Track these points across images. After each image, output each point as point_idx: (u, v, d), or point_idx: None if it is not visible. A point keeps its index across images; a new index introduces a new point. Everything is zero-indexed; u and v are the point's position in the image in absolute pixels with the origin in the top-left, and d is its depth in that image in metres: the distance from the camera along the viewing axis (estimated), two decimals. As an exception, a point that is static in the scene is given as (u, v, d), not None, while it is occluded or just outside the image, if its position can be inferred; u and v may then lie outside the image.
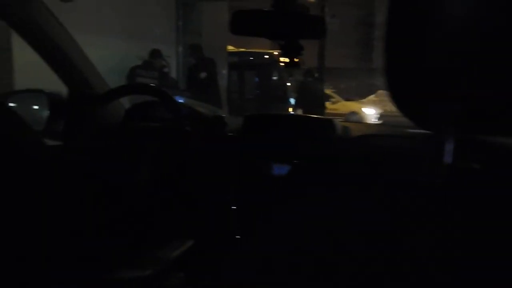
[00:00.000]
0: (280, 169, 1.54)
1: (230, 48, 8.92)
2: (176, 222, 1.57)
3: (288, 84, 9.79)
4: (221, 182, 1.59)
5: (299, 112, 9.11)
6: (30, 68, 2.64)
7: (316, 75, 9.38)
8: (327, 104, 10.64)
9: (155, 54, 6.45)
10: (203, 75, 6.73)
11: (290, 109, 9.77)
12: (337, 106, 13.52)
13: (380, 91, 13.94)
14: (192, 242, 1.52)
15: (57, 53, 1.59)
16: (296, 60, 1.40)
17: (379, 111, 12.91)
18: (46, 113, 1.73)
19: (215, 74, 6.96)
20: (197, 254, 1.50)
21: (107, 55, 6.38)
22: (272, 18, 1.29)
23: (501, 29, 0.38)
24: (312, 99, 8.54)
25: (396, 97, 0.46)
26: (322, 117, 1.70)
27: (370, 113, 13.21)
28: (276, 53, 8.85)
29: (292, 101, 9.88)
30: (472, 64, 0.40)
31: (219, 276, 0.75)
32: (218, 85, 7.05)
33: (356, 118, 13.11)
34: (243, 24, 1.33)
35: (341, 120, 1.73)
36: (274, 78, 9.52)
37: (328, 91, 12.53)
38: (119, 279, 1.28)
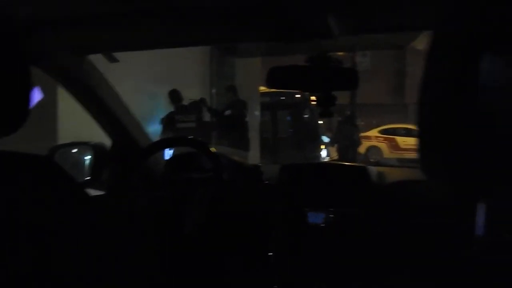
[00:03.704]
0: (315, 217, 1.56)
1: (262, 88, 9.09)
2: (217, 272, 1.59)
3: (320, 122, 9.83)
4: (261, 230, 1.62)
5: (333, 149, 9.12)
6: (74, 121, 2.78)
7: (348, 113, 9.41)
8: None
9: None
10: (228, 112, 6.84)
11: (323, 147, 9.77)
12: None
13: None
14: None
15: (101, 107, 1.68)
16: (330, 109, 1.44)
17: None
18: (90, 164, 1.81)
19: (244, 116, 7.05)
20: None
21: (146, 101, 6.61)
22: (306, 73, 1.35)
23: None
24: (346, 136, 8.58)
25: (425, 167, 0.48)
26: (355, 164, 1.71)
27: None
28: (307, 92, 8.94)
29: (325, 139, 9.89)
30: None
31: None
32: (247, 128, 7.12)
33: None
34: (279, 79, 1.39)
35: (375, 165, 1.74)
36: (306, 116, 9.58)
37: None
38: None
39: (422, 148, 0.49)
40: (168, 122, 6.39)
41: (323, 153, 9.74)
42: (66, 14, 1.17)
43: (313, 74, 1.35)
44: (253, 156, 7.20)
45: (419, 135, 0.48)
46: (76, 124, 2.83)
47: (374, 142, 13.59)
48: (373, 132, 13.84)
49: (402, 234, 1.19)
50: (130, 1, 1.07)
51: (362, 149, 13.35)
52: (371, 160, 12.31)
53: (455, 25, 0.44)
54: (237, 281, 1.61)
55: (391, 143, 13.24)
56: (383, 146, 13.38)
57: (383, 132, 13.67)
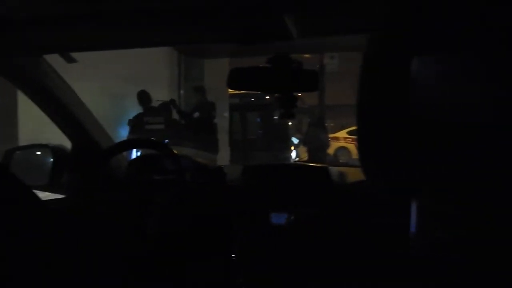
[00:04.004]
0: (278, 218, 1.57)
1: (231, 90, 9.07)
2: (180, 274, 1.58)
3: (290, 123, 9.89)
4: (221, 231, 1.61)
5: (303, 150, 9.20)
6: (34, 123, 2.72)
7: (317, 114, 9.52)
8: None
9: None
10: (197, 114, 6.82)
11: (292, 148, 9.83)
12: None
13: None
14: None
15: (59, 108, 1.65)
16: (290, 110, 1.45)
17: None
18: (50, 167, 1.77)
19: (213, 117, 7.02)
20: None
21: (111, 102, 6.52)
22: (267, 74, 1.35)
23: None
24: (315, 138, 8.66)
25: (365, 167, 0.49)
26: (317, 165, 1.73)
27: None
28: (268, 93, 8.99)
29: (295, 140, 9.96)
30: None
31: None
32: (216, 130, 7.09)
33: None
34: (240, 80, 1.39)
35: (340, 166, 1.77)
36: (275, 118, 9.63)
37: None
38: None
39: (360, 149, 0.50)
40: (136, 123, 6.32)
41: (293, 154, 9.80)
42: (20, 14, 1.14)
43: (273, 76, 1.35)
44: (223, 157, 7.19)
45: (358, 136, 0.49)
46: (37, 126, 2.76)
47: (342, 143, 13.76)
48: (342, 133, 13.99)
49: (358, 234, 1.21)
50: (86, 1, 1.05)
51: (331, 150, 13.54)
52: (340, 161, 12.46)
53: (387, 27, 0.45)
54: (201, 283, 1.60)
55: None
56: (351, 147, 13.50)
57: (352, 133, 13.78)
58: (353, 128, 13.77)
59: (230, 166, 1.87)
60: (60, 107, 1.64)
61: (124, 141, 1.70)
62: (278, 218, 1.57)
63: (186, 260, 1.62)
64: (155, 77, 7.71)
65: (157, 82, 7.76)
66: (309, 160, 8.50)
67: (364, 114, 0.47)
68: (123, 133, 6.31)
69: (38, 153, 1.83)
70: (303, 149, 9.74)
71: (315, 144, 8.75)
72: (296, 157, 9.80)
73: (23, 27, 1.24)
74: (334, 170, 1.65)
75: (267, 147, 9.09)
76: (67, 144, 1.80)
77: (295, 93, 1.43)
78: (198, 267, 1.61)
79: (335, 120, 15.40)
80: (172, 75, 8.55)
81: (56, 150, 1.77)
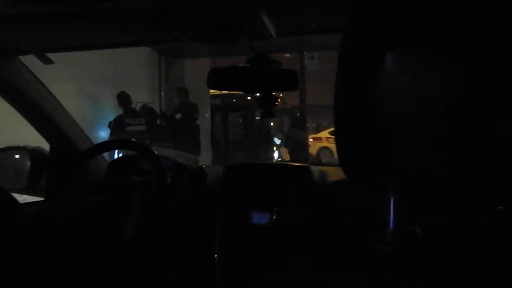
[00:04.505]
0: (259, 218, 1.57)
1: (213, 91, 9.06)
2: (162, 273, 1.58)
3: (271, 124, 9.91)
4: (203, 231, 1.61)
5: (285, 150, 9.23)
6: (10, 125, 2.67)
7: (298, 114, 9.55)
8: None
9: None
10: (178, 115, 6.80)
11: (274, 148, 9.86)
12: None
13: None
14: None
15: (35, 110, 1.62)
16: (271, 110, 1.45)
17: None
18: (28, 169, 1.74)
19: (195, 118, 7.01)
20: None
21: (92, 104, 6.46)
22: (247, 73, 1.35)
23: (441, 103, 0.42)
24: (296, 138, 8.69)
25: (345, 165, 0.50)
26: (298, 164, 1.74)
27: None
28: (258, 94, 9.00)
29: (277, 141, 9.99)
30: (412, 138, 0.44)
31: None
32: (198, 131, 7.08)
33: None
34: (220, 80, 1.39)
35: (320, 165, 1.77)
36: (257, 118, 9.64)
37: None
38: None
39: (338, 147, 0.50)
40: (116, 125, 6.26)
41: (275, 154, 9.82)
42: None
43: (253, 75, 1.35)
44: (205, 158, 7.17)
45: (336, 135, 0.49)
46: (14, 128, 2.71)
47: (325, 143, 13.80)
48: (324, 134, 14.02)
49: (338, 231, 1.22)
50: (59, 0, 1.04)
51: (313, 150, 13.56)
52: (323, 161, 12.49)
53: (358, 27, 0.45)
54: (183, 282, 1.60)
55: None
56: (334, 147, 13.53)
57: (334, 133, 13.84)
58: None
59: (211, 166, 1.86)
60: (35, 108, 1.62)
61: (101, 143, 1.68)
62: (260, 218, 1.57)
63: (167, 262, 1.61)
64: (135, 79, 7.66)
65: (138, 83, 7.71)
66: (291, 160, 8.52)
67: (341, 112, 0.48)
68: (104, 135, 6.25)
69: (16, 155, 1.81)
70: (285, 149, 9.77)
71: (295, 144, 8.77)
72: (279, 157, 9.82)
73: None
74: (315, 169, 1.66)
75: (249, 147, 9.09)
76: (45, 146, 1.78)
77: (275, 93, 1.44)
78: (180, 267, 1.61)
79: (316, 120, 15.46)
80: (152, 76, 8.50)
81: (34, 153, 1.75)
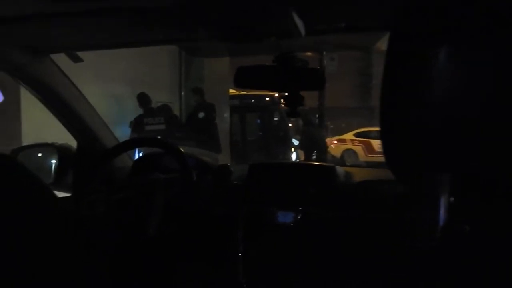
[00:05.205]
0: (284, 217, 1.57)
1: (232, 91, 9.08)
2: (185, 272, 1.59)
3: (290, 125, 9.89)
4: (227, 230, 1.62)
5: (301, 152, 9.21)
6: (38, 122, 2.72)
7: (317, 115, 9.52)
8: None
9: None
10: (201, 114, 6.86)
11: (292, 149, 9.83)
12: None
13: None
14: None
15: (64, 107, 1.65)
16: (297, 109, 1.45)
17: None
18: (55, 166, 1.78)
19: (213, 118, 7.06)
20: None
21: (113, 104, 6.55)
22: (274, 72, 1.36)
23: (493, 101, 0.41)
24: (314, 139, 8.67)
25: (392, 163, 0.49)
26: (324, 164, 1.73)
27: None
28: (276, 95, 9.01)
29: (295, 142, 9.96)
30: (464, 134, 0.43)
31: None
32: (217, 130, 7.12)
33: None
34: (247, 79, 1.39)
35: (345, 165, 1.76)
36: (276, 119, 9.63)
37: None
38: None
39: (385, 146, 0.50)
40: (136, 125, 6.34)
41: (293, 156, 9.79)
42: (25, 12, 1.15)
43: (280, 74, 1.36)
44: (223, 159, 7.20)
45: (383, 135, 0.49)
46: (40, 125, 2.76)
47: (349, 145, 13.57)
48: (349, 136, 13.83)
49: (367, 231, 1.21)
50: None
51: (337, 152, 13.41)
52: (347, 163, 12.28)
53: (411, 23, 0.45)
54: (206, 282, 1.60)
55: (366, 146, 13.22)
56: (358, 149, 13.32)
57: (358, 135, 13.58)
58: (361, 130, 13.61)
59: (234, 165, 1.86)
60: (65, 106, 1.64)
61: (128, 140, 1.70)
62: (284, 217, 1.57)
63: (191, 259, 1.62)
64: (155, 79, 7.73)
65: (158, 83, 7.78)
66: (307, 161, 8.50)
67: (389, 111, 0.48)
68: (125, 134, 6.34)
69: (44, 152, 1.84)
70: (303, 151, 9.73)
71: (313, 145, 8.74)
72: (297, 158, 9.80)
73: (27, 25, 1.24)
74: (340, 169, 1.65)
75: (267, 148, 9.09)
76: (72, 143, 1.81)
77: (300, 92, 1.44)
78: (203, 266, 1.62)
79: (334, 122, 15.33)
80: (172, 76, 8.56)
81: (62, 149, 1.78)
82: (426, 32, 0.43)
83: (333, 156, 12.86)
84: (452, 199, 0.47)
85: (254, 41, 1.24)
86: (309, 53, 9.27)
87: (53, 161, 1.76)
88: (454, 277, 0.52)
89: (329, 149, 13.74)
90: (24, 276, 0.86)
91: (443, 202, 0.47)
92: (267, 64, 1.36)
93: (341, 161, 12.64)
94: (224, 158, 7.25)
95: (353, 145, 13.52)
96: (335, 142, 13.80)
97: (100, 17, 1.16)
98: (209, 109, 7.02)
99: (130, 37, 1.46)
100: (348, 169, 1.73)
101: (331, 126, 14.36)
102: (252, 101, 9.53)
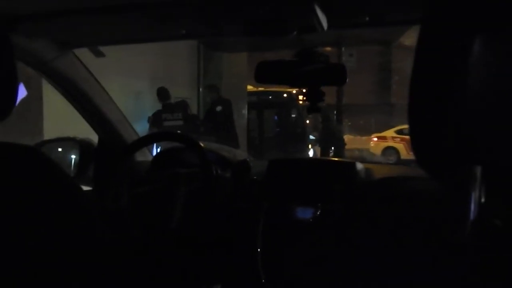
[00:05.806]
0: (303, 213, 1.56)
1: (249, 87, 9.09)
2: (204, 267, 1.59)
3: (307, 121, 9.87)
4: (246, 225, 1.62)
5: (318, 148, 9.19)
6: (60, 116, 2.76)
7: (335, 112, 9.48)
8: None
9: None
10: (218, 108, 6.90)
11: (309, 146, 9.81)
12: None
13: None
14: (219, 287, 1.53)
15: (87, 102, 1.67)
16: (317, 105, 1.44)
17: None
18: (76, 160, 1.80)
19: (231, 114, 7.10)
20: None
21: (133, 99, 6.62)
22: (294, 68, 1.35)
23: None
24: (332, 135, 8.65)
25: (421, 157, 0.48)
26: (343, 160, 1.72)
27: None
28: (294, 91, 8.99)
29: (312, 138, 9.93)
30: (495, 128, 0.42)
31: None
32: (234, 126, 7.16)
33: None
34: (267, 74, 1.39)
35: (364, 162, 1.75)
36: (293, 116, 9.61)
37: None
38: None
39: (414, 141, 0.49)
40: (155, 120, 6.40)
41: (311, 152, 9.77)
42: (50, 7, 1.16)
43: (301, 69, 1.35)
44: (241, 155, 7.22)
45: (413, 130, 0.48)
46: (62, 120, 2.80)
47: (390, 143, 12.99)
48: (389, 133, 13.24)
49: (388, 228, 1.20)
50: None
51: (378, 150, 12.99)
52: (389, 161, 11.78)
53: (443, 16, 0.44)
54: (225, 276, 1.61)
55: (408, 144, 12.53)
56: (400, 146, 12.60)
57: (400, 132, 12.77)
58: (402, 127, 13.18)
59: (253, 161, 1.86)
60: (87, 101, 1.67)
61: (149, 135, 1.72)
62: (304, 213, 1.56)
63: (211, 254, 1.63)
64: (175, 74, 7.77)
65: (177, 79, 7.82)
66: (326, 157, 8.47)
67: (419, 104, 0.47)
68: (144, 129, 6.40)
69: (65, 146, 1.87)
70: (321, 147, 9.70)
71: (330, 142, 8.71)
72: (313, 154, 9.77)
73: (52, 20, 1.26)
74: (360, 165, 1.63)
75: (284, 145, 9.08)
76: (94, 138, 1.83)
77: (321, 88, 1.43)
78: (222, 260, 1.62)
79: (352, 119, 15.14)
80: (191, 72, 8.60)
81: (83, 144, 1.80)
82: (461, 21, 0.42)
83: (373, 154, 12.54)
84: (483, 193, 0.47)
85: (278, 36, 1.23)
86: (327, 49, 9.24)
87: (74, 156, 1.79)
88: (486, 273, 0.51)
89: (368, 147, 13.45)
90: (53, 265, 0.87)
91: (474, 197, 0.46)
92: (288, 59, 1.35)
93: (382, 159, 12.13)
94: (242, 154, 7.27)
95: (394, 142, 12.84)
96: (375, 139, 13.34)
97: (124, 12, 1.17)
98: (225, 104, 7.06)
99: (154, 32, 1.47)
100: (369, 165, 1.71)
101: (349, 123, 14.17)
102: (270, 97, 9.53)
